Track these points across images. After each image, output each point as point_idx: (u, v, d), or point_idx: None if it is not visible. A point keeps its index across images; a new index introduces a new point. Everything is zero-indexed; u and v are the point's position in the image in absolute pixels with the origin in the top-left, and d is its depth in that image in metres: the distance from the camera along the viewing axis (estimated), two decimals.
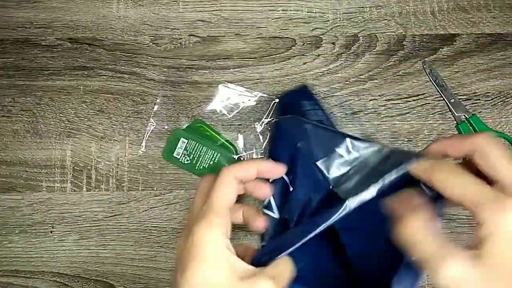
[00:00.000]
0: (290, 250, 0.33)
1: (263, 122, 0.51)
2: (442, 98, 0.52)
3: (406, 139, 0.51)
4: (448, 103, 0.52)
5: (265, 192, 0.37)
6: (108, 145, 0.51)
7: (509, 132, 0.51)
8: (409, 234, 0.28)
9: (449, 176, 0.28)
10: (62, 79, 0.52)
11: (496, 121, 0.52)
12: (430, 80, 0.52)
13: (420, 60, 0.53)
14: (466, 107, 0.52)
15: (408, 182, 0.32)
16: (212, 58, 0.53)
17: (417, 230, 0.28)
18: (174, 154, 0.49)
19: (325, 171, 0.37)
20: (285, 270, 0.33)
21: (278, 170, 0.37)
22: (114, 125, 0.52)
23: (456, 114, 0.52)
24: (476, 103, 0.52)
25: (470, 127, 0.51)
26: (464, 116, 0.51)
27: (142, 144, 0.51)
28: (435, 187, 0.29)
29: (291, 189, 0.38)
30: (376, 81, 0.52)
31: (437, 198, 0.31)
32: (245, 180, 0.36)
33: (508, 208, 0.25)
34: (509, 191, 0.27)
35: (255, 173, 0.36)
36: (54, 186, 0.51)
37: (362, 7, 0.54)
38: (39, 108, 0.52)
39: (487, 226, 0.26)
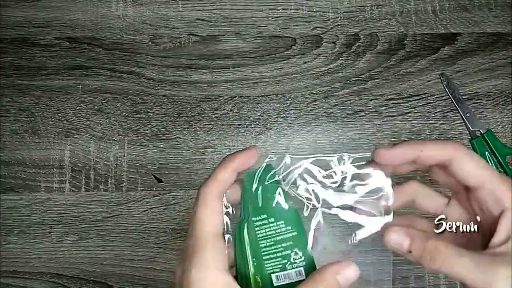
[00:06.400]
0: None
1: None
2: (457, 111, 0.51)
3: (407, 139, 0.51)
4: (464, 117, 0.51)
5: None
6: (107, 145, 0.51)
7: (510, 131, 0.51)
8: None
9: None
10: (61, 79, 0.52)
11: (497, 121, 0.51)
12: (447, 93, 0.51)
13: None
14: (481, 121, 0.51)
15: None
16: (212, 57, 0.52)
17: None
18: None
19: None
20: None
21: (251, 153, 0.31)
22: (113, 125, 0.51)
23: (471, 129, 0.50)
24: (477, 102, 0.52)
25: (485, 144, 0.50)
26: (479, 131, 0.50)
27: None
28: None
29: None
30: (377, 80, 0.52)
31: None
32: (227, 188, 0.31)
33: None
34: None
35: (234, 177, 0.31)
36: (53, 187, 0.50)
37: (363, 6, 0.54)
38: (37, 108, 0.52)
39: None
